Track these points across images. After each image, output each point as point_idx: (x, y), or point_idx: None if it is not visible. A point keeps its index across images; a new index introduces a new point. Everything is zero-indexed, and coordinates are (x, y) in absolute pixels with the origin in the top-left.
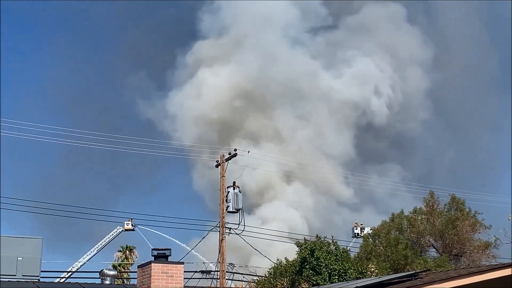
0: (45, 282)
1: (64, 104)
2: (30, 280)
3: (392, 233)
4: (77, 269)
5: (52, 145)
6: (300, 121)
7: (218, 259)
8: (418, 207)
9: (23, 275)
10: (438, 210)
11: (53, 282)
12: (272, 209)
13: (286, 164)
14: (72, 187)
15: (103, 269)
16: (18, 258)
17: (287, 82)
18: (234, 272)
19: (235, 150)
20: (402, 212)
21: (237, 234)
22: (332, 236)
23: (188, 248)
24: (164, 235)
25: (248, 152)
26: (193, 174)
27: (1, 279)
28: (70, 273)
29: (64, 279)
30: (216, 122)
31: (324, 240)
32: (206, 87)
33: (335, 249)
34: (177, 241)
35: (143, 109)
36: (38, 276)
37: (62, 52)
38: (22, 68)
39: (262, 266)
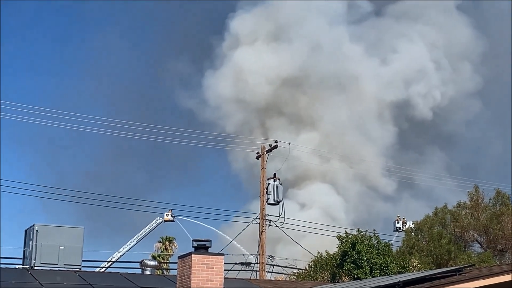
0: (86, 271)
1: (106, 95)
2: (71, 269)
3: (435, 227)
4: (117, 259)
5: (95, 136)
6: (343, 110)
7: (258, 251)
8: (462, 201)
9: (64, 264)
10: (482, 204)
11: (94, 271)
12: (311, 194)
13: (327, 157)
14: (114, 178)
15: (143, 260)
16: (60, 247)
17: (331, 68)
18: (273, 265)
19: (276, 141)
20: (445, 206)
21: (277, 226)
22: (374, 230)
23: (229, 238)
24: (205, 224)
25: (289, 144)
26: (234, 164)
27: (44, 267)
28: (110, 263)
29: (104, 268)
30: (257, 109)
31: (365, 233)
32: (247, 73)
33: (377, 243)
34: (218, 231)
35: (183, 98)
36: (80, 265)
37: (104, 43)
38: (61, 56)
39: (303, 259)
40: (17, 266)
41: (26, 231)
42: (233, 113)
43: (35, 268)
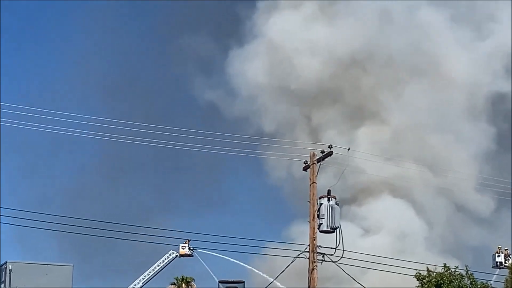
0: None
1: (98, 87)
2: None
3: None
4: None
5: (85, 142)
6: (421, 99)
7: None
8: None
9: None
10: None
11: None
12: (376, 214)
13: (397, 160)
14: (111, 198)
15: None
16: None
17: (403, 44)
18: None
19: (330, 147)
20: None
21: (333, 262)
22: (466, 266)
23: (268, 278)
24: (233, 260)
25: (348, 149)
26: (270, 177)
27: None
28: None
29: None
30: (304, 100)
31: (454, 271)
32: (288, 51)
33: (471, 283)
34: (252, 269)
35: (201, 89)
36: None
37: (93, 15)
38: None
39: None
40: None
41: None
42: (271, 106)
43: None
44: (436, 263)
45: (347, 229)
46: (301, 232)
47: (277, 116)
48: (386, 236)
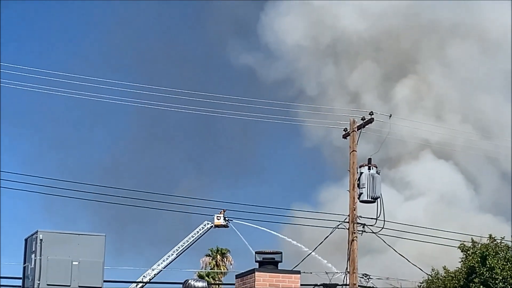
0: None
1: (129, 52)
2: None
3: None
4: (151, 278)
5: (117, 109)
6: (472, 54)
7: (347, 268)
8: None
9: (79, 286)
10: None
11: None
12: (417, 176)
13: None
14: (144, 168)
15: (187, 280)
16: (74, 262)
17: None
18: (369, 287)
19: (371, 113)
20: None
21: (374, 233)
22: None
23: (306, 249)
24: (270, 231)
25: (390, 116)
26: (307, 144)
27: None
28: (142, 284)
29: None
30: (342, 62)
31: (501, 242)
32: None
33: None
34: (290, 240)
35: (236, 52)
36: (101, 287)
37: None
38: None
39: (411, 278)
40: None
41: (26, 240)
42: (310, 68)
43: None
44: (482, 229)
45: (388, 193)
46: (339, 202)
47: (315, 79)
48: (429, 200)
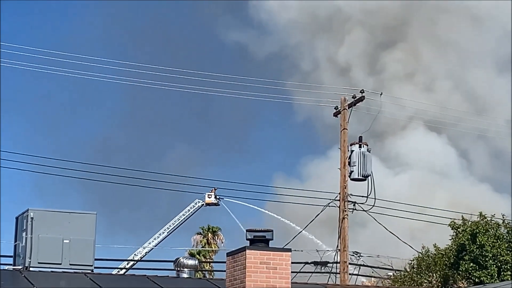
0: (100, 273)
1: (118, 31)
2: (80, 271)
3: None
4: (142, 256)
5: (105, 87)
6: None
7: (337, 245)
8: None
9: (70, 264)
10: None
11: (111, 273)
12: (407, 149)
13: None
14: (134, 146)
15: (178, 258)
16: (65, 241)
17: None
18: (360, 265)
19: (362, 91)
20: None
21: (365, 210)
22: (503, 215)
23: (297, 227)
24: (260, 209)
25: (381, 94)
26: (300, 123)
27: (42, 269)
28: (133, 262)
29: (125, 270)
30: (330, 35)
31: (491, 220)
32: None
33: (507, 233)
34: (282, 219)
35: (227, 29)
36: (92, 265)
37: None
38: None
39: (401, 255)
40: (6, 267)
41: (17, 218)
42: (300, 43)
43: (31, 269)
44: (473, 204)
45: (378, 170)
46: (330, 180)
47: (307, 55)
48: (419, 174)
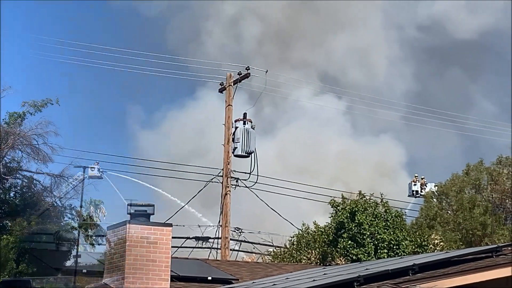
0: None
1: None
2: None
3: (467, 191)
4: None
5: None
6: (345, 30)
7: (219, 221)
8: (504, 156)
9: None
10: None
11: None
12: (292, 135)
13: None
14: None
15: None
16: None
17: None
18: (241, 241)
19: (248, 68)
20: (481, 162)
21: (247, 187)
22: (381, 194)
23: (179, 202)
24: (145, 184)
25: (266, 72)
26: (191, 102)
27: None
28: None
29: None
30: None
31: (369, 199)
32: None
33: (385, 212)
34: (163, 192)
35: None
36: None
37: None
38: None
39: (282, 232)
40: None
41: None
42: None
43: None
44: (352, 191)
45: (261, 150)
46: (215, 156)
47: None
48: (301, 157)
